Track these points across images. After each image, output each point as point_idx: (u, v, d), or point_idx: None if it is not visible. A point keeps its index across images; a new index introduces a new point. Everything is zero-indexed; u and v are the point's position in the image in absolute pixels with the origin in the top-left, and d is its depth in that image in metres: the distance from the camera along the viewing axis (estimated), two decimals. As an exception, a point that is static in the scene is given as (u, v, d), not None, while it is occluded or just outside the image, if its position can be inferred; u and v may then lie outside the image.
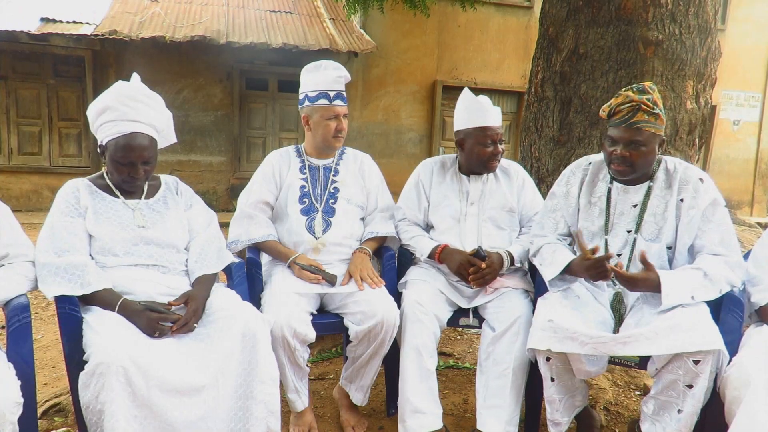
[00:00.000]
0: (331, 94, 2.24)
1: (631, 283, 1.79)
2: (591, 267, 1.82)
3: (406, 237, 2.34)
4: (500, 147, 2.27)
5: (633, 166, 1.86)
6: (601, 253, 1.88)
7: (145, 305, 1.69)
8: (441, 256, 2.20)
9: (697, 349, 1.59)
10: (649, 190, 1.92)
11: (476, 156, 2.26)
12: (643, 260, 1.78)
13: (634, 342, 1.64)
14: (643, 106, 1.81)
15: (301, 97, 2.31)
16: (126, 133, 1.80)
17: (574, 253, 2.03)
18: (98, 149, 1.89)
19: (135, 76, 1.91)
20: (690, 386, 1.63)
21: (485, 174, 2.35)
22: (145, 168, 1.86)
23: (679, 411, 1.66)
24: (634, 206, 1.94)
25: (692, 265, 1.82)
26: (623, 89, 1.88)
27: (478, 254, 2.12)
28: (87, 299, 1.70)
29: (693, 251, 1.90)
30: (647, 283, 1.77)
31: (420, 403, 2.01)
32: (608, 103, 1.90)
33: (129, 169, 1.82)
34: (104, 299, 1.70)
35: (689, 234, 1.86)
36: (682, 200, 1.88)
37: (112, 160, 1.83)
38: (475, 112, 2.26)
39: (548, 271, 1.96)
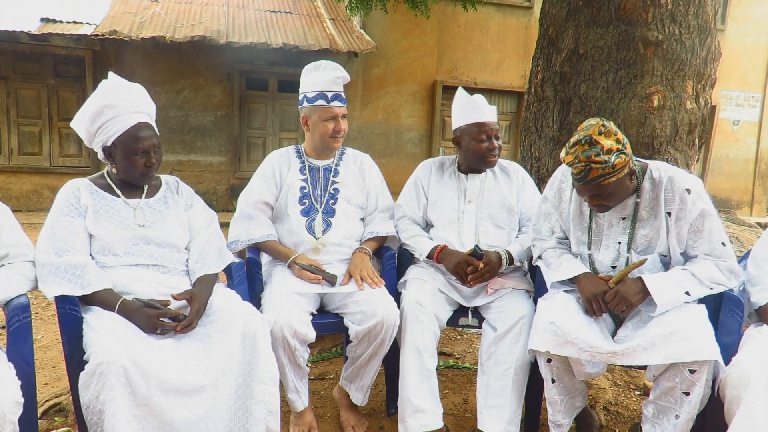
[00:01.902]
0: (329, 94, 2.24)
1: (619, 300, 1.78)
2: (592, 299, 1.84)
3: (405, 236, 2.34)
4: (496, 143, 2.26)
5: (609, 207, 1.85)
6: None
7: (143, 303, 1.69)
8: (439, 256, 2.20)
9: (693, 359, 1.59)
10: (636, 205, 1.89)
11: (473, 152, 2.27)
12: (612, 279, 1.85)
13: (632, 353, 1.66)
14: (593, 164, 1.70)
15: (300, 97, 2.31)
16: (133, 124, 1.83)
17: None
18: (103, 153, 1.89)
19: (112, 74, 1.93)
20: (687, 393, 1.64)
21: (484, 172, 2.36)
22: (156, 156, 1.89)
23: (676, 416, 1.68)
24: (623, 219, 1.92)
25: (680, 267, 1.84)
26: (571, 142, 1.75)
27: (475, 253, 2.13)
28: (87, 299, 1.70)
29: (687, 257, 1.90)
30: (623, 292, 1.77)
31: (420, 403, 2.01)
32: (562, 155, 1.79)
33: (145, 158, 1.85)
34: (104, 299, 1.70)
35: (680, 245, 1.86)
36: (669, 213, 1.84)
37: (126, 154, 1.83)
38: (469, 109, 2.28)
39: (553, 275, 1.97)
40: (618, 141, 1.74)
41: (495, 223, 2.31)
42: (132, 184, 1.93)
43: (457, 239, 2.28)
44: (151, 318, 1.67)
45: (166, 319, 1.69)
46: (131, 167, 1.85)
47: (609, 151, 1.71)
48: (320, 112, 2.24)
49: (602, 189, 1.75)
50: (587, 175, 1.73)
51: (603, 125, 1.73)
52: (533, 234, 2.16)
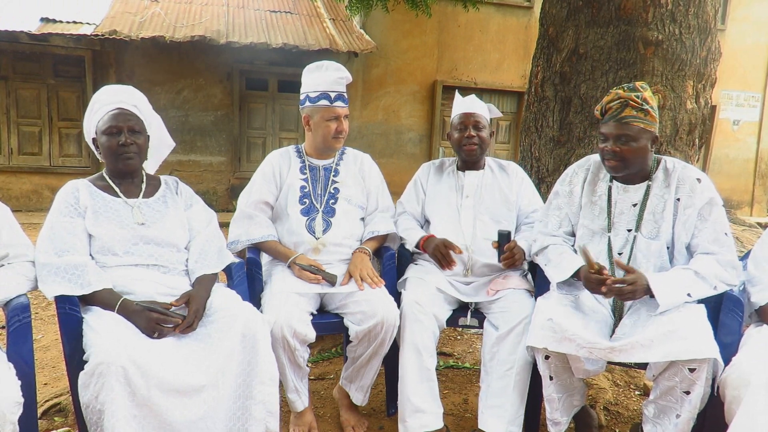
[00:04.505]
0: (332, 95, 2.24)
1: (622, 292, 1.75)
2: (591, 282, 1.80)
3: (400, 228, 2.39)
4: (474, 132, 2.31)
5: (624, 161, 1.87)
6: (603, 251, 1.94)
7: (144, 306, 1.69)
8: (424, 244, 2.27)
9: (692, 358, 1.59)
10: (648, 189, 1.93)
11: (454, 142, 2.37)
12: (619, 264, 1.81)
13: (630, 349, 1.65)
14: (630, 102, 1.83)
15: (302, 97, 2.31)
16: (111, 110, 1.87)
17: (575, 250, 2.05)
18: (94, 145, 1.93)
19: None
20: (687, 392, 1.64)
21: (482, 169, 2.41)
22: (134, 138, 1.88)
23: (677, 416, 1.68)
24: (634, 205, 1.94)
25: (682, 266, 1.83)
26: (614, 88, 1.91)
27: (505, 237, 2.14)
28: (87, 299, 1.70)
29: (690, 250, 1.90)
30: (636, 286, 1.74)
31: (420, 403, 2.01)
32: (600, 102, 1.92)
33: (117, 139, 1.85)
34: (104, 299, 1.70)
35: (686, 233, 1.87)
36: (678, 199, 1.88)
37: (103, 133, 1.86)
38: (457, 105, 2.40)
39: (555, 273, 1.97)
40: (653, 101, 1.88)
41: (493, 217, 2.33)
42: (121, 175, 1.93)
43: (454, 233, 2.29)
44: (152, 321, 1.67)
45: (166, 325, 1.69)
46: (107, 148, 1.86)
47: (645, 100, 1.85)
48: (323, 112, 2.25)
49: (629, 130, 1.84)
50: (621, 112, 1.85)
51: (645, 83, 1.91)
52: (539, 227, 2.16)
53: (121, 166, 1.89)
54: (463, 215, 2.33)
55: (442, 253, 2.19)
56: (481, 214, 2.32)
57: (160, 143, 2.08)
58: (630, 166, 1.89)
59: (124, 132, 1.86)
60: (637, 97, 1.83)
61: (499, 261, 2.16)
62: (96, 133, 1.90)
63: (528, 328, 1.99)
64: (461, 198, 2.36)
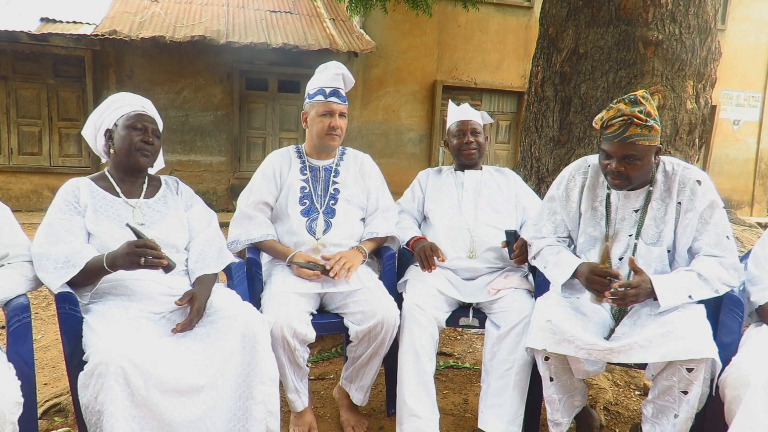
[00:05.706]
0: (327, 90, 2.24)
1: (626, 295, 1.73)
2: (594, 280, 1.78)
3: (398, 226, 2.42)
4: (472, 138, 2.44)
5: (629, 179, 1.81)
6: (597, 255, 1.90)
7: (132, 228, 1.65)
8: (414, 244, 2.30)
9: (690, 358, 1.59)
10: (649, 194, 1.90)
11: (453, 148, 2.49)
12: (633, 267, 1.77)
13: (629, 350, 1.65)
14: (635, 119, 1.73)
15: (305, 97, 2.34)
16: (137, 109, 1.93)
17: (577, 255, 2.03)
18: (104, 138, 1.94)
19: None
20: (685, 392, 1.63)
21: (480, 170, 2.50)
22: (153, 139, 1.93)
23: (675, 416, 1.68)
24: (636, 211, 1.92)
25: (686, 268, 1.82)
26: (615, 101, 1.80)
27: (512, 235, 2.20)
28: (86, 276, 1.67)
29: (691, 253, 1.89)
30: (641, 289, 1.73)
31: (416, 406, 2.00)
32: (600, 116, 1.83)
33: (142, 135, 1.90)
34: (94, 265, 1.66)
35: (687, 236, 1.85)
36: (680, 203, 1.86)
37: (126, 127, 1.89)
38: (453, 113, 2.54)
39: (555, 275, 1.94)
40: (655, 113, 1.79)
41: (494, 208, 2.40)
42: (128, 171, 1.93)
43: (456, 218, 2.35)
44: (131, 245, 1.61)
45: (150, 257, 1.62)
46: (128, 141, 1.88)
47: (649, 114, 1.75)
48: (318, 108, 2.25)
49: (634, 150, 1.75)
50: (625, 131, 1.75)
51: (646, 92, 1.81)
52: (533, 232, 2.15)
53: (134, 162, 1.91)
54: (464, 204, 2.40)
55: (426, 254, 2.20)
56: (482, 204, 2.39)
57: (157, 162, 2.09)
58: (634, 182, 1.84)
59: (148, 131, 1.91)
60: (641, 112, 1.73)
61: (511, 258, 2.22)
62: (114, 125, 1.92)
63: (527, 328, 1.99)
64: (461, 191, 2.44)
